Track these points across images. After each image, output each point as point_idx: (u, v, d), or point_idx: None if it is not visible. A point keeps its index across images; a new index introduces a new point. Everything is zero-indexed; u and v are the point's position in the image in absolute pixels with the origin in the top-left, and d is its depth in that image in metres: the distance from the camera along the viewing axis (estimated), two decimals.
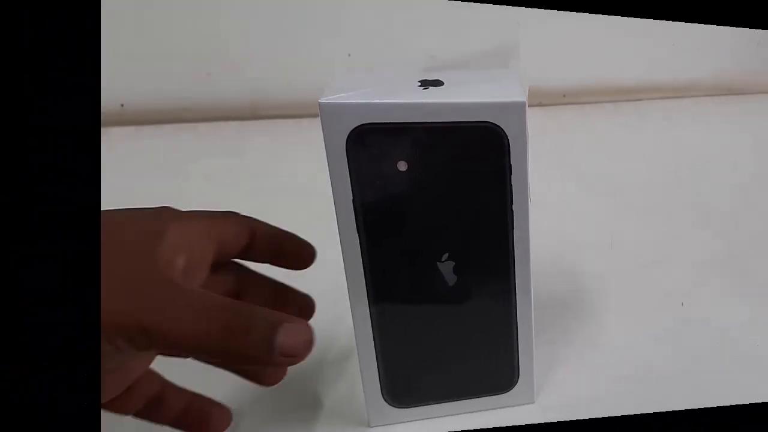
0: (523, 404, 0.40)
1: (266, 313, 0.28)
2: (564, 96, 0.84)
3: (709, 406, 0.41)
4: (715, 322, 0.48)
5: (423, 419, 0.39)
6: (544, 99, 0.83)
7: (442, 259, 0.35)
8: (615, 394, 0.41)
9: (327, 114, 0.31)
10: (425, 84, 0.33)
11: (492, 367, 0.39)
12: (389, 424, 0.39)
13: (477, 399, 0.39)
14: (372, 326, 0.36)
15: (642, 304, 0.50)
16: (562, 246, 0.57)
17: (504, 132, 0.32)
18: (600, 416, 0.40)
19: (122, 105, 0.71)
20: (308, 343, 0.28)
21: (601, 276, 0.53)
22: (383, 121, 0.31)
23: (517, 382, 0.39)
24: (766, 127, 0.89)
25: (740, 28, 0.89)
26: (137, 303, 0.26)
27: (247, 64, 0.73)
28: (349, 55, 0.75)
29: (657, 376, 0.43)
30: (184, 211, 0.31)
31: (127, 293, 0.26)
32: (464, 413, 0.39)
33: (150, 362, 0.31)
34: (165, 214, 0.30)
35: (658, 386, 0.43)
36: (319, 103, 0.31)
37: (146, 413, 0.32)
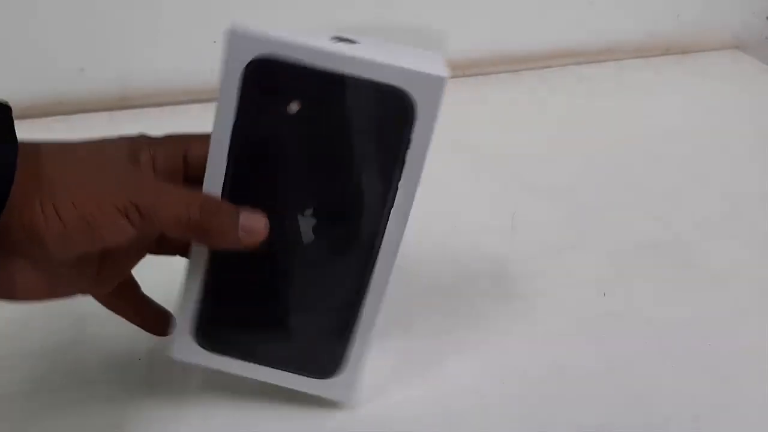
0: (337, 400, 0.37)
1: (228, 203, 0.33)
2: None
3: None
4: (648, 316, 0.42)
5: (227, 371, 0.37)
6: None
7: (305, 213, 0.33)
8: (512, 395, 0.38)
9: (231, 41, 0.30)
10: (339, 39, 0.31)
11: (318, 346, 0.36)
12: (191, 362, 0.36)
13: (290, 374, 0.36)
14: (206, 259, 0.34)
15: (549, 293, 0.45)
16: (453, 229, 0.52)
17: (414, 103, 0.30)
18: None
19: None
20: (264, 226, 0.32)
21: (501, 261, 0.48)
22: (285, 58, 0.30)
23: (338, 373, 0.36)
24: (713, 91, 0.78)
25: None
26: (129, 189, 0.31)
27: (116, 56, 0.76)
28: (215, 42, 0.75)
29: (571, 378, 0.38)
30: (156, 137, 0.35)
31: (119, 184, 0.31)
32: (272, 382, 0.37)
33: (141, 255, 0.36)
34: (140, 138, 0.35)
35: (571, 389, 0.38)
36: (227, 30, 0.30)
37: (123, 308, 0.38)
